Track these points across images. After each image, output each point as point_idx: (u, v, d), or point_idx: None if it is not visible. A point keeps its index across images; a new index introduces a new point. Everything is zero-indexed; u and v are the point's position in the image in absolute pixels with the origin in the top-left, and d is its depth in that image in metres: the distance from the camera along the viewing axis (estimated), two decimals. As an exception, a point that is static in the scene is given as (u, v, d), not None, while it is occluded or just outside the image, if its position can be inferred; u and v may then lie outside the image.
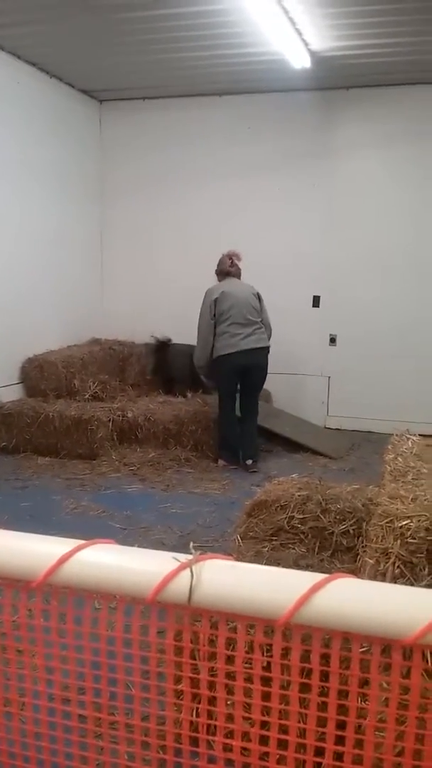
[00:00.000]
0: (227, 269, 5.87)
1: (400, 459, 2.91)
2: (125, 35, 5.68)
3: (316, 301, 7.42)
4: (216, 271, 5.97)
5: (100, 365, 6.92)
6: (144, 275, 7.87)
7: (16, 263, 6.49)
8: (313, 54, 5.95)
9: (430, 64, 6.25)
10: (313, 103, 7.11)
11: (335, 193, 7.23)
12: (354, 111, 7.06)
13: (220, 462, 5.88)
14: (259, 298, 5.82)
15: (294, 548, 3.12)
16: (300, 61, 5.98)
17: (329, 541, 3.12)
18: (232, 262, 5.88)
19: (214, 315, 5.65)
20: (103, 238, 8.00)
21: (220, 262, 5.93)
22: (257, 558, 2.96)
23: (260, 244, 7.40)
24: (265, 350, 5.78)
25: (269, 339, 5.86)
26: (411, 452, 3.01)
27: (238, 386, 5.82)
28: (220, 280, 5.91)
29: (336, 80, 6.77)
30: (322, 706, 0.89)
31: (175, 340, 7.29)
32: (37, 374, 6.55)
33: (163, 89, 7.31)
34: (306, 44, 5.75)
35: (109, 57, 6.30)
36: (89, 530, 4.30)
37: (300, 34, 5.52)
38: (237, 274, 5.90)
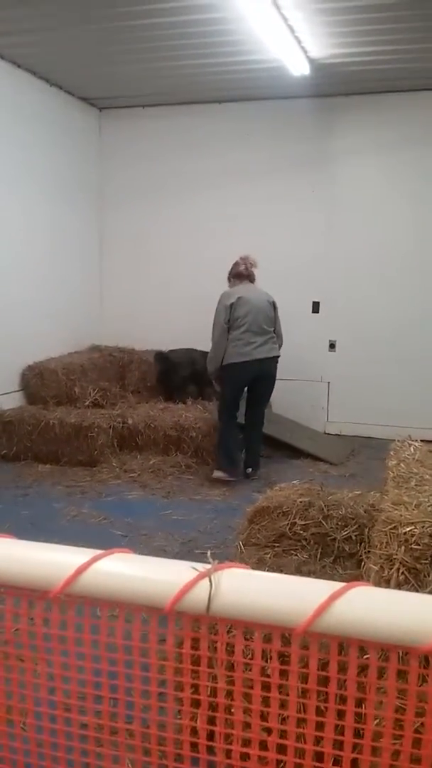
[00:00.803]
0: (242, 273, 5.72)
1: (402, 465, 2.91)
2: (125, 44, 5.71)
3: (315, 307, 7.44)
4: (230, 274, 5.79)
5: (100, 372, 6.92)
6: (143, 282, 7.88)
7: (16, 270, 6.50)
8: (312, 61, 5.98)
9: (428, 71, 6.29)
10: (312, 110, 7.15)
11: (334, 199, 7.26)
12: (353, 118, 7.09)
13: (217, 474, 5.64)
14: (274, 307, 5.70)
15: (296, 555, 3.12)
16: (299, 68, 6.01)
17: (331, 548, 3.12)
18: (246, 267, 5.74)
19: (228, 320, 5.47)
20: (103, 245, 8.02)
21: (235, 265, 5.78)
22: (259, 565, 2.95)
23: (259, 250, 7.38)
24: (276, 360, 5.69)
25: (280, 349, 5.76)
26: (413, 458, 3.01)
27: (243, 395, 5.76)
28: (232, 285, 5.75)
29: (335, 87, 6.81)
30: (339, 714, 0.89)
31: (174, 346, 7.30)
32: (38, 381, 6.55)
33: (163, 97, 7.34)
34: (305, 52, 5.78)
35: (109, 65, 6.33)
36: (90, 538, 4.30)
37: (299, 41, 5.55)
38: (252, 279, 5.75)
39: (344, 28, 5.29)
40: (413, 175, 7.02)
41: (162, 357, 7.16)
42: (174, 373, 7.03)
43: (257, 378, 5.59)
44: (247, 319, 5.46)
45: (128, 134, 7.76)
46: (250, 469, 5.79)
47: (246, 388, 5.71)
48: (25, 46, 5.85)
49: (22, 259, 6.60)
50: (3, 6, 4.99)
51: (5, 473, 5.83)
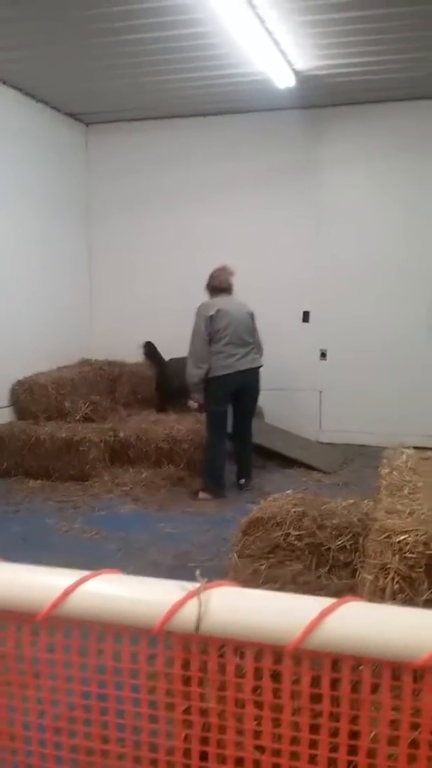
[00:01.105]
0: (220, 285, 5.64)
1: (395, 473, 2.91)
2: (110, 59, 5.74)
3: (306, 317, 7.46)
4: (208, 286, 5.71)
5: (90, 386, 6.90)
6: (132, 295, 7.88)
7: (5, 285, 6.49)
8: (297, 73, 6.03)
9: (413, 81, 6.35)
10: (298, 122, 7.20)
11: (323, 209, 7.30)
12: (340, 128, 7.15)
13: (202, 495, 5.54)
14: (252, 317, 5.68)
15: (291, 565, 3.11)
16: (284, 80, 6.06)
17: (326, 557, 3.11)
18: (225, 278, 5.67)
19: (209, 333, 5.41)
20: (91, 259, 8.02)
21: (213, 278, 5.70)
22: (255, 576, 2.94)
23: (249, 261, 7.44)
24: (259, 371, 5.68)
25: (261, 358, 5.75)
26: (406, 466, 3.01)
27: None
28: (212, 296, 5.67)
29: (321, 98, 6.86)
30: (333, 732, 0.88)
31: (165, 357, 7.30)
32: (27, 397, 6.52)
33: (149, 111, 7.37)
34: (290, 64, 5.83)
35: (95, 80, 6.36)
36: (83, 553, 4.27)
37: (284, 54, 5.59)
38: (230, 290, 5.68)
39: (329, 39, 5.34)
40: (401, 184, 7.07)
41: (159, 366, 7.17)
42: (171, 383, 7.02)
43: (242, 390, 5.55)
44: (228, 331, 5.41)
45: (115, 148, 7.78)
46: (243, 480, 5.77)
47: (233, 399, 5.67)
48: (10, 63, 5.87)
49: (11, 274, 6.59)
50: (-13, 23, 5.01)
51: (-4, 489, 5.79)
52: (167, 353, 7.29)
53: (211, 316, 5.41)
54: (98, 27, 5.08)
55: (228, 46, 5.38)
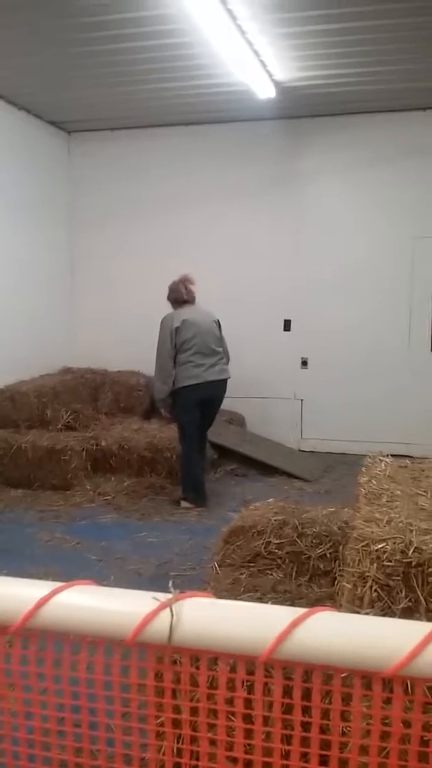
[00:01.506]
0: (182, 297, 5.52)
1: (374, 481, 2.92)
2: (93, 68, 5.75)
3: (286, 325, 7.50)
4: (170, 298, 5.60)
5: (72, 394, 6.87)
6: (114, 303, 7.88)
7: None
8: (277, 84, 6.08)
9: (391, 92, 6.44)
10: (278, 132, 7.26)
11: (302, 218, 7.36)
12: (319, 139, 7.22)
13: (183, 504, 5.50)
14: (218, 326, 5.60)
15: (272, 574, 3.11)
16: (265, 91, 6.11)
17: (306, 566, 3.12)
18: (187, 289, 5.53)
19: (175, 345, 5.32)
20: (73, 267, 8.01)
21: (173, 290, 5.57)
22: (235, 585, 2.94)
23: (230, 270, 7.49)
24: (226, 381, 5.57)
25: (228, 369, 5.68)
26: (384, 474, 3.03)
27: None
28: (175, 308, 5.56)
29: (300, 109, 6.93)
30: (304, 741, 0.88)
31: (146, 366, 7.28)
32: (9, 405, 6.47)
33: (131, 120, 7.39)
34: (270, 75, 5.88)
35: (77, 89, 6.36)
36: (65, 562, 4.25)
37: (264, 65, 5.65)
38: (193, 300, 5.56)
39: (308, 51, 5.40)
40: (380, 193, 7.15)
41: None
42: None
43: (209, 400, 5.44)
44: (195, 341, 5.33)
45: (97, 157, 7.79)
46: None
47: None
48: (-9, 71, 5.87)
49: (-8, 282, 6.57)
50: (-31, 31, 5.01)
51: (-23, 499, 5.74)
52: (150, 361, 7.27)
53: (177, 328, 5.32)
54: (80, 36, 5.10)
55: (209, 56, 5.42)
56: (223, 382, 5.52)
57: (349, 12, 4.68)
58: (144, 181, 7.65)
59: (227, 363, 5.63)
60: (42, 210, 7.40)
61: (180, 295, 5.53)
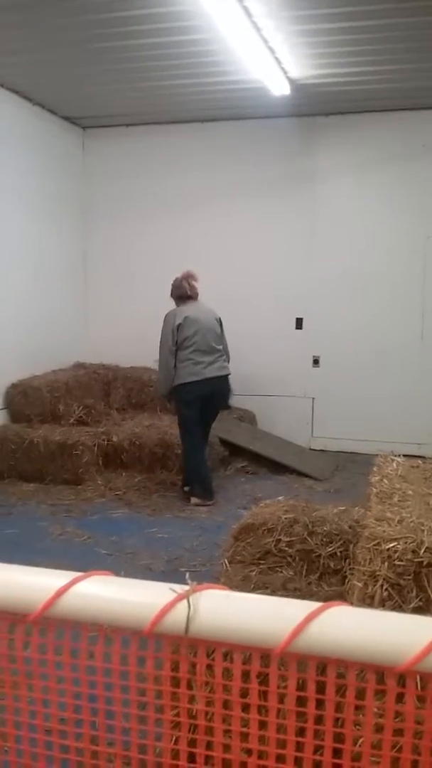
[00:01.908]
0: (186, 293, 5.57)
1: (385, 481, 2.93)
2: (107, 64, 5.77)
3: (299, 323, 7.49)
4: (173, 294, 5.66)
5: (84, 389, 6.91)
6: (127, 299, 7.89)
7: (0, 289, 6.49)
8: (292, 82, 6.07)
9: (407, 91, 6.41)
10: (293, 130, 7.25)
11: (316, 216, 7.34)
12: (334, 137, 7.20)
13: (193, 500, 5.53)
14: (220, 323, 5.63)
15: (282, 571, 3.12)
16: (279, 88, 6.10)
17: (316, 564, 3.12)
18: (190, 285, 5.57)
19: (176, 341, 5.38)
20: (87, 263, 8.04)
21: (177, 287, 5.62)
22: (245, 582, 2.95)
23: (243, 267, 7.49)
24: (227, 378, 5.61)
25: (228, 366, 5.72)
26: (396, 474, 3.03)
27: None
28: (178, 305, 5.61)
29: (315, 107, 6.91)
30: (318, 734, 0.90)
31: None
32: (22, 400, 6.52)
33: (146, 116, 7.41)
34: (285, 72, 5.87)
35: (92, 85, 6.39)
36: (75, 557, 4.28)
37: (279, 62, 5.64)
38: (196, 297, 5.61)
39: (324, 49, 5.38)
40: (394, 192, 7.12)
41: None
42: None
43: (209, 397, 5.48)
44: (196, 339, 5.38)
45: (112, 153, 7.81)
46: (187, 488, 5.70)
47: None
48: (8, 66, 5.89)
49: (6, 277, 6.60)
50: (-14, 27, 5.04)
51: (-11, 492, 5.79)
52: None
53: (179, 325, 5.39)
54: (96, 32, 5.11)
55: (224, 53, 5.42)
56: (223, 379, 5.54)
57: (364, 10, 4.66)
58: (157, 177, 7.66)
59: (227, 360, 5.65)
60: (56, 205, 7.43)
61: (183, 292, 5.58)
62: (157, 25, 4.98)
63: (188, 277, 5.60)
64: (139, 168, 7.71)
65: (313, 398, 7.52)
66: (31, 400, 6.48)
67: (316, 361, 7.49)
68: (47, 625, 0.93)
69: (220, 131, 7.47)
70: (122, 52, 5.50)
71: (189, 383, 5.38)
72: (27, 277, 6.92)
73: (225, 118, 7.33)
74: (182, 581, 0.92)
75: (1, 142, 6.48)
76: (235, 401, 7.39)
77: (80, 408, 6.55)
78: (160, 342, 5.49)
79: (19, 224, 6.75)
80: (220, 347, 5.56)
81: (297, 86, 6.19)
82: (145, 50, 5.45)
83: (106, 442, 6.22)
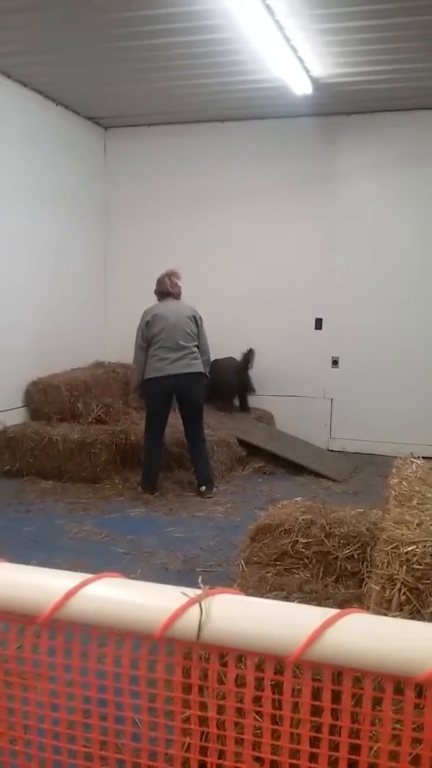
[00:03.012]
0: (167, 290, 5.69)
1: (404, 483, 2.88)
2: (130, 63, 5.78)
3: (318, 324, 7.44)
4: (156, 291, 5.79)
5: (103, 388, 6.92)
6: (147, 298, 7.85)
7: (23, 287, 6.54)
8: (314, 80, 6.03)
9: (428, 89, 6.33)
10: (314, 129, 7.20)
11: (337, 216, 7.29)
12: (355, 136, 7.14)
13: (139, 490, 5.73)
14: (196, 321, 5.65)
15: (298, 573, 3.09)
16: (301, 87, 6.07)
17: (333, 566, 3.09)
18: (172, 282, 5.69)
19: (146, 338, 5.56)
20: (107, 262, 8.06)
21: (159, 283, 5.75)
22: (261, 583, 2.92)
23: (262, 267, 7.47)
24: (197, 375, 5.59)
25: (207, 365, 5.73)
26: (415, 476, 2.99)
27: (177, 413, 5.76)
28: (159, 300, 5.76)
29: (337, 106, 6.86)
30: (333, 745, 0.87)
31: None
32: (41, 397, 6.55)
33: (167, 116, 7.41)
34: (307, 71, 5.83)
35: (114, 85, 6.40)
36: (92, 555, 4.28)
37: (301, 61, 5.60)
38: (176, 295, 5.71)
39: (346, 47, 5.34)
40: (415, 192, 7.05)
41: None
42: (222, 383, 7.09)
43: (179, 394, 5.57)
44: (161, 336, 5.50)
45: (133, 153, 7.82)
46: (203, 487, 5.71)
47: (178, 406, 5.70)
48: (31, 66, 5.93)
49: (29, 275, 6.64)
50: (10, 26, 5.06)
51: (8, 489, 5.81)
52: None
53: (147, 322, 5.57)
54: (118, 32, 5.12)
55: (246, 52, 5.40)
56: (190, 376, 5.54)
57: (386, 8, 4.62)
58: (178, 176, 7.66)
59: (199, 358, 5.63)
60: (77, 204, 7.46)
61: (165, 288, 5.71)
62: (178, 25, 4.97)
63: (171, 275, 5.74)
64: (160, 167, 7.72)
65: (332, 399, 7.47)
66: (51, 398, 6.51)
67: (335, 362, 7.44)
68: (57, 627, 0.92)
69: (241, 131, 7.44)
70: (144, 52, 5.50)
71: (152, 379, 5.53)
72: (48, 276, 6.96)
73: (246, 117, 7.30)
74: (198, 582, 0.90)
75: (25, 141, 6.52)
76: (253, 401, 7.39)
77: (99, 406, 6.56)
78: (135, 338, 5.73)
79: (40, 222, 6.79)
80: (191, 345, 5.58)
81: (319, 85, 6.15)
82: (166, 50, 5.45)
83: (124, 441, 6.22)
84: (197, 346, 5.62)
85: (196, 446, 5.75)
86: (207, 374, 5.75)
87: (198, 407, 5.72)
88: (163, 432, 5.74)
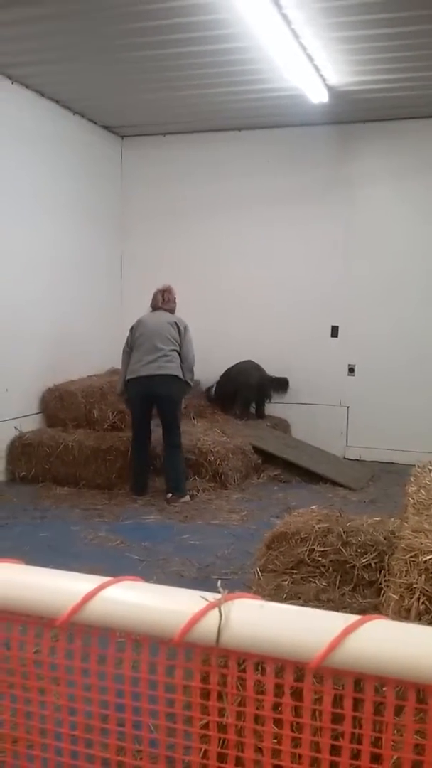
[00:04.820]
0: (157, 304, 5.90)
1: (423, 491, 2.85)
2: (146, 73, 5.81)
3: (334, 331, 7.42)
4: (150, 304, 5.98)
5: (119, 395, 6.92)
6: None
7: (38, 293, 6.57)
8: (330, 89, 6.04)
9: (447, 97, 6.32)
10: (330, 137, 7.20)
11: (353, 224, 7.27)
12: (371, 144, 7.13)
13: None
14: (179, 328, 5.71)
15: (315, 582, 3.06)
16: (318, 96, 6.07)
17: (350, 575, 3.06)
18: (164, 298, 5.89)
19: (130, 343, 5.75)
20: (123, 270, 8.09)
21: (153, 296, 5.96)
22: (277, 592, 2.90)
23: (279, 275, 7.46)
24: (170, 378, 5.59)
25: (190, 373, 5.73)
26: (434, 484, 2.95)
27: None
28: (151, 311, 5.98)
29: (353, 114, 6.86)
30: (354, 754, 0.85)
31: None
32: (57, 404, 6.58)
33: (184, 125, 7.44)
34: (323, 79, 5.84)
35: (131, 94, 6.44)
36: (108, 562, 4.28)
37: (318, 69, 5.61)
38: (168, 308, 5.88)
39: (362, 56, 5.34)
40: (431, 200, 7.02)
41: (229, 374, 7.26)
42: (242, 388, 7.13)
43: (153, 397, 5.62)
44: (141, 340, 5.66)
45: (149, 161, 7.87)
46: (169, 494, 5.67)
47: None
48: (48, 75, 5.99)
49: (46, 282, 6.68)
50: (28, 36, 5.12)
51: (24, 495, 5.84)
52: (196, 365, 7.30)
53: (132, 328, 5.81)
54: (135, 41, 5.15)
55: (263, 61, 5.41)
56: (163, 378, 5.57)
57: (402, 16, 4.62)
58: (194, 184, 7.68)
59: (175, 362, 5.64)
60: (94, 212, 7.50)
61: (156, 302, 5.93)
62: (194, 34, 5.00)
63: (165, 291, 5.95)
64: (176, 176, 7.75)
65: (348, 407, 7.43)
66: (67, 404, 6.54)
67: (351, 370, 7.40)
68: (74, 631, 0.91)
69: (257, 139, 7.46)
70: (160, 61, 5.54)
71: (129, 380, 5.68)
72: (65, 283, 7.00)
73: (262, 126, 7.32)
74: (213, 589, 0.89)
75: (42, 150, 6.57)
76: (269, 409, 7.37)
77: (114, 413, 6.57)
78: None
79: (58, 230, 6.84)
80: (168, 348, 5.63)
81: (335, 93, 6.15)
82: (183, 59, 5.48)
83: (139, 448, 6.21)
84: (177, 352, 5.66)
85: (168, 451, 5.73)
86: (189, 381, 5.79)
87: (171, 410, 5.69)
88: (145, 435, 5.78)
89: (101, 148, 7.65)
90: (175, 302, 5.95)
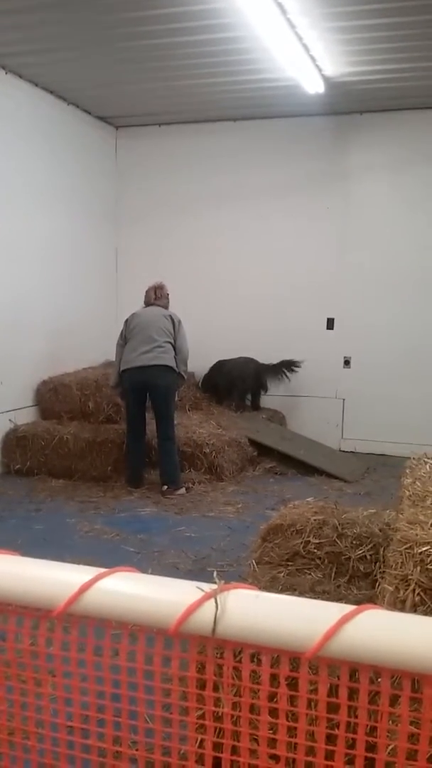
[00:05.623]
0: (150, 300, 5.96)
1: (418, 483, 2.86)
2: (141, 63, 5.78)
3: (330, 324, 7.42)
4: (143, 301, 6.03)
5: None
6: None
7: (34, 287, 6.55)
8: (326, 79, 6.01)
9: (442, 88, 6.30)
10: (326, 128, 7.18)
11: (349, 216, 7.26)
12: (367, 135, 7.11)
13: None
14: (173, 320, 5.76)
15: (310, 574, 3.07)
16: (314, 86, 6.04)
17: (346, 567, 3.07)
18: (156, 294, 5.94)
19: (124, 336, 5.78)
20: (118, 261, 8.06)
21: (146, 293, 6.02)
22: (273, 584, 2.91)
23: (274, 266, 7.45)
24: (163, 369, 5.61)
25: (184, 365, 5.77)
26: (429, 476, 2.96)
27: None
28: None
29: (349, 105, 6.84)
30: (349, 743, 0.86)
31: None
32: (52, 396, 6.57)
33: (179, 115, 7.40)
34: (320, 70, 5.81)
35: (125, 84, 6.40)
36: (103, 554, 4.28)
37: (314, 60, 5.58)
38: (161, 304, 5.92)
39: (358, 46, 5.31)
40: (428, 191, 7.01)
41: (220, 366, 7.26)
42: (237, 381, 7.14)
43: (146, 387, 5.65)
44: (135, 332, 5.69)
45: (144, 152, 7.83)
46: (165, 487, 5.68)
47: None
48: (42, 65, 5.94)
49: (40, 274, 6.65)
50: (22, 26, 5.08)
51: (19, 488, 5.83)
52: (192, 357, 7.29)
53: (126, 321, 5.85)
54: (130, 31, 5.12)
55: (258, 51, 5.38)
56: (156, 368, 5.60)
57: (400, 6, 4.60)
58: (190, 175, 7.65)
59: (169, 353, 5.66)
60: (88, 203, 7.47)
61: (148, 299, 5.99)
62: (190, 24, 4.96)
63: (157, 288, 6.01)
64: (171, 166, 7.71)
65: (344, 399, 7.44)
66: (62, 397, 6.53)
67: (347, 362, 7.41)
68: (71, 622, 0.91)
69: (253, 130, 7.43)
70: (155, 51, 5.50)
71: (124, 371, 5.70)
72: (60, 275, 6.97)
73: (258, 116, 7.28)
74: (209, 581, 0.89)
75: (36, 140, 6.53)
76: (265, 401, 7.37)
77: (110, 406, 6.56)
78: None
79: (51, 221, 6.80)
80: (162, 339, 5.67)
81: (331, 84, 6.12)
82: (178, 48, 5.44)
83: (134, 441, 6.21)
84: (171, 344, 5.69)
85: (161, 443, 5.75)
86: (183, 374, 5.82)
87: (165, 401, 5.70)
88: (140, 427, 5.81)
89: (96, 138, 7.61)
90: (167, 298, 5.98)
